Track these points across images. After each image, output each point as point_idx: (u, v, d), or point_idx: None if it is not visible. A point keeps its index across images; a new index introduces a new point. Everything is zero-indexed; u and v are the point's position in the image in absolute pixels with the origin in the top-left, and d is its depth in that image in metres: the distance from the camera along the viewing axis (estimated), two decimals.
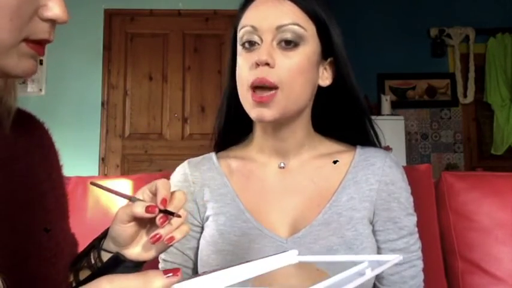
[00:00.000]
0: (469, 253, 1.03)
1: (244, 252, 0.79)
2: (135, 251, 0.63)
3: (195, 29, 3.63)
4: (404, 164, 3.53)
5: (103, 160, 3.51)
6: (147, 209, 0.57)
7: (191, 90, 3.59)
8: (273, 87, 0.77)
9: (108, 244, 0.64)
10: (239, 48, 0.82)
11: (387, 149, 3.70)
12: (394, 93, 4.39)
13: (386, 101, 4.04)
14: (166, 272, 0.44)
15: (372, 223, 0.84)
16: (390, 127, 3.65)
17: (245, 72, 0.79)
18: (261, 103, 0.77)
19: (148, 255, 0.63)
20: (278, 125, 0.83)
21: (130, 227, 0.61)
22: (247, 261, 0.46)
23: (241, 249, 0.79)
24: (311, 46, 0.81)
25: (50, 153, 0.68)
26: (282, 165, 0.87)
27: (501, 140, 4.30)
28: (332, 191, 0.84)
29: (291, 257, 0.46)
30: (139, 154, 3.53)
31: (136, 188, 1.14)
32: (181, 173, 0.91)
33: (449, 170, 4.19)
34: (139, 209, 0.58)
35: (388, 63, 4.31)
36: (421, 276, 0.84)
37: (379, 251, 0.83)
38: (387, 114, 3.96)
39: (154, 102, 3.58)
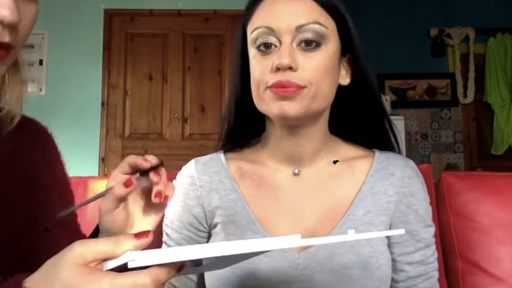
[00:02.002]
0: (469, 253, 1.03)
1: (254, 266, 0.73)
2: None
3: (195, 29, 3.63)
4: None
5: (103, 160, 3.51)
6: (125, 184, 0.58)
7: (191, 90, 3.59)
8: (299, 87, 0.71)
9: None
10: (253, 50, 0.76)
11: None
12: (394, 93, 4.39)
13: (386, 101, 4.03)
14: (137, 234, 0.44)
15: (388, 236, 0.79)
16: None
17: (262, 76, 0.73)
18: (284, 97, 0.71)
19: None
20: (295, 128, 0.77)
21: (119, 213, 0.60)
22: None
23: (251, 263, 0.73)
24: (332, 44, 0.75)
25: (52, 153, 0.69)
26: (297, 171, 0.81)
27: (501, 140, 4.30)
28: (348, 202, 0.78)
29: (295, 240, 0.45)
30: (139, 154, 3.52)
31: None
32: (188, 175, 0.84)
33: (449, 170, 4.19)
34: (119, 190, 0.58)
35: (388, 63, 4.30)
36: (437, 287, 0.81)
37: (394, 263, 0.79)
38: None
39: (154, 102, 3.58)
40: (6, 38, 0.50)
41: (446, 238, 1.07)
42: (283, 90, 0.71)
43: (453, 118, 4.43)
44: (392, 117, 3.41)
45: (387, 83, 4.40)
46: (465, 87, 4.40)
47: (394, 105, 4.21)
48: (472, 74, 4.39)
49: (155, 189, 0.59)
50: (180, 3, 3.62)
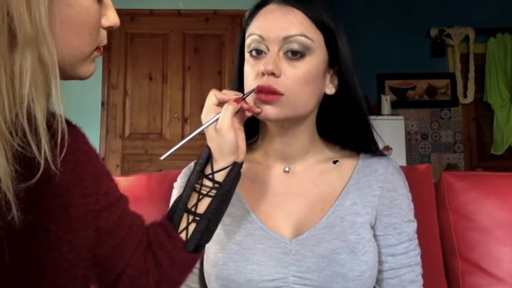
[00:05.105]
0: (469, 253, 1.03)
1: (250, 252, 0.80)
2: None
3: (195, 29, 3.63)
4: (404, 164, 3.54)
5: (103, 160, 3.51)
6: (236, 101, 0.73)
7: (191, 90, 3.59)
8: (278, 94, 0.78)
9: (215, 164, 0.73)
10: (247, 55, 0.83)
11: (387, 149, 3.71)
12: (394, 93, 4.39)
13: (386, 101, 4.03)
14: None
15: (372, 228, 0.84)
16: (390, 127, 3.65)
17: (251, 80, 0.80)
18: (266, 101, 0.78)
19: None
20: (283, 129, 0.85)
21: (233, 135, 0.71)
22: None
23: (247, 249, 0.81)
24: (318, 56, 0.81)
25: (83, 159, 0.65)
26: (287, 169, 0.89)
27: (501, 140, 4.30)
28: (335, 195, 0.86)
29: None
30: (139, 154, 3.53)
31: (136, 187, 1.14)
32: (188, 167, 0.94)
33: (449, 170, 4.19)
34: (234, 106, 0.73)
35: (388, 63, 4.31)
36: (421, 281, 0.85)
37: (379, 255, 0.84)
38: (387, 114, 3.96)
39: (154, 102, 3.58)
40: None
41: (446, 238, 1.07)
42: (264, 96, 0.77)
43: (453, 118, 4.44)
44: (392, 117, 3.42)
45: (387, 83, 4.40)
46: (465, 87, 4.40)
47: (394, 105, 4.21)
48: (472, 74, 4.39)
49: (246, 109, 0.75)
50: (180, 3, 3.62)
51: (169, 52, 3.62)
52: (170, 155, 0.71)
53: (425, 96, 4.42)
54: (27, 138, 0.50)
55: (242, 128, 0.76)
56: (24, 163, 0.51)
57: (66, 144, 0.54)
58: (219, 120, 0.72)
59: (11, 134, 0.49)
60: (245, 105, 0.75)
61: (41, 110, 0.51)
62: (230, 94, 0.76)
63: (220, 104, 0.74)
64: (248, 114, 0.77)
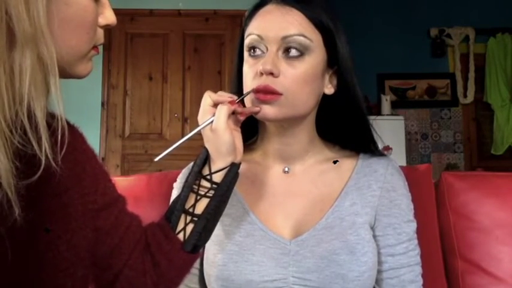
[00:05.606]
0: (469, 253, 1.03)
1: (250, 253, 0.80)
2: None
3: (195, 29, 3.63)
4: (404, 164, 3.54)
5: (103, 160, 3.51)
6: (230, 103, 0.74)
7: (191, 90, 3.59)
8: (276, 93, 0.77)
9: (213, 165, 0.73)
10: (246, 54, 0.83)
11: (387, 149, 3.70)
12: (394, 93, 4.39)
13: (386, 101, 4.03)
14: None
15: (372, 228, 0.84)
16: (390, 127, 3.65)
17: (250, 80, 0.80)
18: (264, 101, 0.78)
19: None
20: (282, 129, 0.85)
21: (230, 135, 0.71)
22: None
23: (246, 250, 0.81)
24: (317, 56, 0.81)
25: (81, 159, 0.65)
26: (287, 169, 0.89)
27: (501, 140, 4.30)
28: (335, 196, 0.86)
29: None
30: (139, 154, 3.53)
31: (136, 187, 1.14)
32: (187, 174, 0.91)
33: (449, 170, 4.19)
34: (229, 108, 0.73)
35: (388, 63, 4.31)
36: (420, 281, 0.85)
37: (379, 255, 0.84)
38: (387, 114, 3.96)
39: (154, 102, 3.58)
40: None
41: (446, 238, 1.07)
42: (263, 96, 0.77)
43: (453, 118, 4.44)
44: (392, 117, 3.42)
45: (387, 83, 4.40)
46: (465, 87, 4.41)
47: (394, 105, 4.21)
48: (472, 74, 4.39)
49: (240, 112, 0.75)
50: (180, 3, 3.62)
51: (169, 52, 3.62)
52: (165, 156, 0.70)
53: (425, 96, 4.42)
54: (28, 135, 0.51)
55: (239, 129, 0.76)
56: (25, 160, 0.51)
57: (66, 142, 0.54)
58: (214, 121, 0.72)
59: (11, 131, 0.50)
60: (238, 109, 0.75)
61: (41, 108, 0.52)
62: (225, 96, 0.76)
63: (216, 105, 0.74)
64: (241, 118, 0.76)
